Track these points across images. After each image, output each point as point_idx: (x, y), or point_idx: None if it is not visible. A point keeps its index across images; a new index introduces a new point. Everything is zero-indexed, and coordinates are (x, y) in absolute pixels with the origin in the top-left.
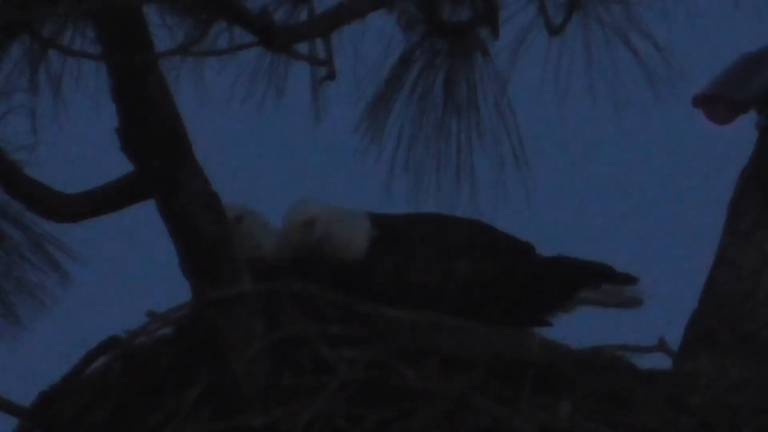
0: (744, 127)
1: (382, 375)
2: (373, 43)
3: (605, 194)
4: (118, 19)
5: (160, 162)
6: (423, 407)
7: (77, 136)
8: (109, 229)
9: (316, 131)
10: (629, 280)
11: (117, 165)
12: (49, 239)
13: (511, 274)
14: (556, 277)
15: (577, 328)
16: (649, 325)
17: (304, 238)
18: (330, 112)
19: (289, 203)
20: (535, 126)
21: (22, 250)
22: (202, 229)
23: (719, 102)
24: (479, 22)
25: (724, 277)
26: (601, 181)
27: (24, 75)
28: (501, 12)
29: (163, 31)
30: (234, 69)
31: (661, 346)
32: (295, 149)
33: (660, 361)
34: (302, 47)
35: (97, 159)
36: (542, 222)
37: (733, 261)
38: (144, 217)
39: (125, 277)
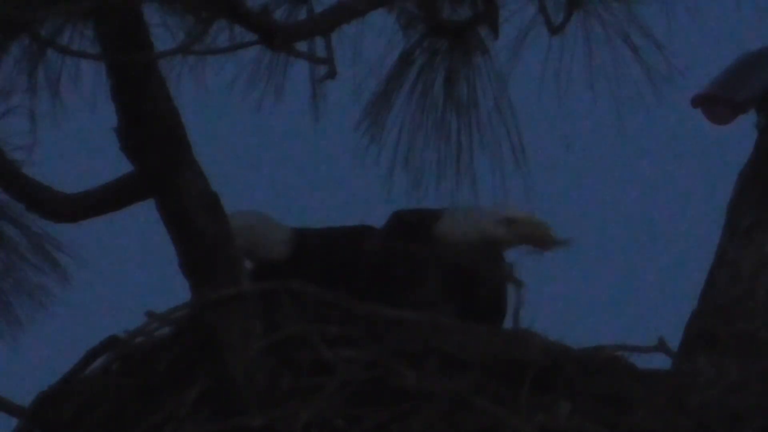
0: (744, 127)
1: (381, 375)
2: (372, 42)
3: (605, 193)
4: (117, 19)
5: (159, 162)
6: (422, 407)
7: (76, 136)
8: (109, 229)
9: (316, 130)
10: None
11: (116, 165)
12: (49, 239)
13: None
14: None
15: (577, 328)
16: (649, 325)
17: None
18: (329, 111)
19: (287, 201)
20: (535, 125)
21: (22, 250)
22: (201, 229)
23: (719, 102)
24: (479, 21)
25: (723, 277)
26: (601, 179)
27: (23, 75)
28: (501, 11)
29: (163, 30)
30: (233, 68)
31: (661, 346)
32: (295, 148)
33: (660, 361)
34: (301, 46)
35: (97, 159)
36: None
37: (732, 261)
38: (144, 217)
39: (125, 277)
